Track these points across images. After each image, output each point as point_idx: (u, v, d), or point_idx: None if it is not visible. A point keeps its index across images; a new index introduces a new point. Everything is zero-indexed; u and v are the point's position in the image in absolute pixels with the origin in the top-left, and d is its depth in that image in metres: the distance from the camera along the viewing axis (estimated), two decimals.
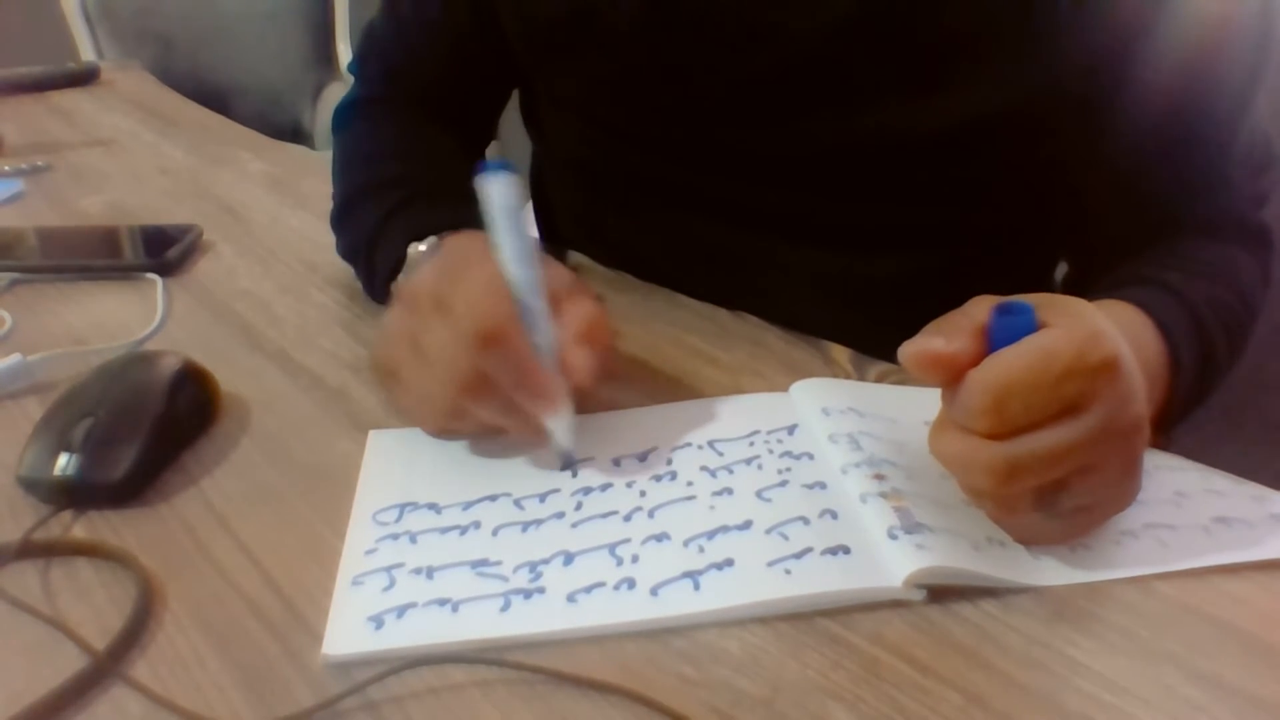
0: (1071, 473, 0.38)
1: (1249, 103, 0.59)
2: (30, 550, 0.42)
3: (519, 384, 0.44)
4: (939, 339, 0.39)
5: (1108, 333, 0.38)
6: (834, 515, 0.43)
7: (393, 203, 0.60)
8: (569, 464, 0.47)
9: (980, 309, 0.39)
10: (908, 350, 0.39)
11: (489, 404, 0.45)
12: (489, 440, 0.49)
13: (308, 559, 0.41)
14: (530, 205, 0.45)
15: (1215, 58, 0.57)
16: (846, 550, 0.40)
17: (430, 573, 0.40)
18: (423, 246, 0.55)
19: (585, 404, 0.53)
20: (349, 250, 0.66)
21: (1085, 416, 0.37)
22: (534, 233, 0.45)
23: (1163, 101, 0.57)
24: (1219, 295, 0.57)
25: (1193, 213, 0.62)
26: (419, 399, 0.47)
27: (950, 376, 0.39)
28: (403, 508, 0.44)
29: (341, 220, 0.67)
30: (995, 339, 0.38)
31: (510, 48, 0.70)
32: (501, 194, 0.46)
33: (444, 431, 0.49)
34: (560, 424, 0.46)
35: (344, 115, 0.76)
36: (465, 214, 0.50)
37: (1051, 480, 0.38)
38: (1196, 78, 0.57)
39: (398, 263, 0.56)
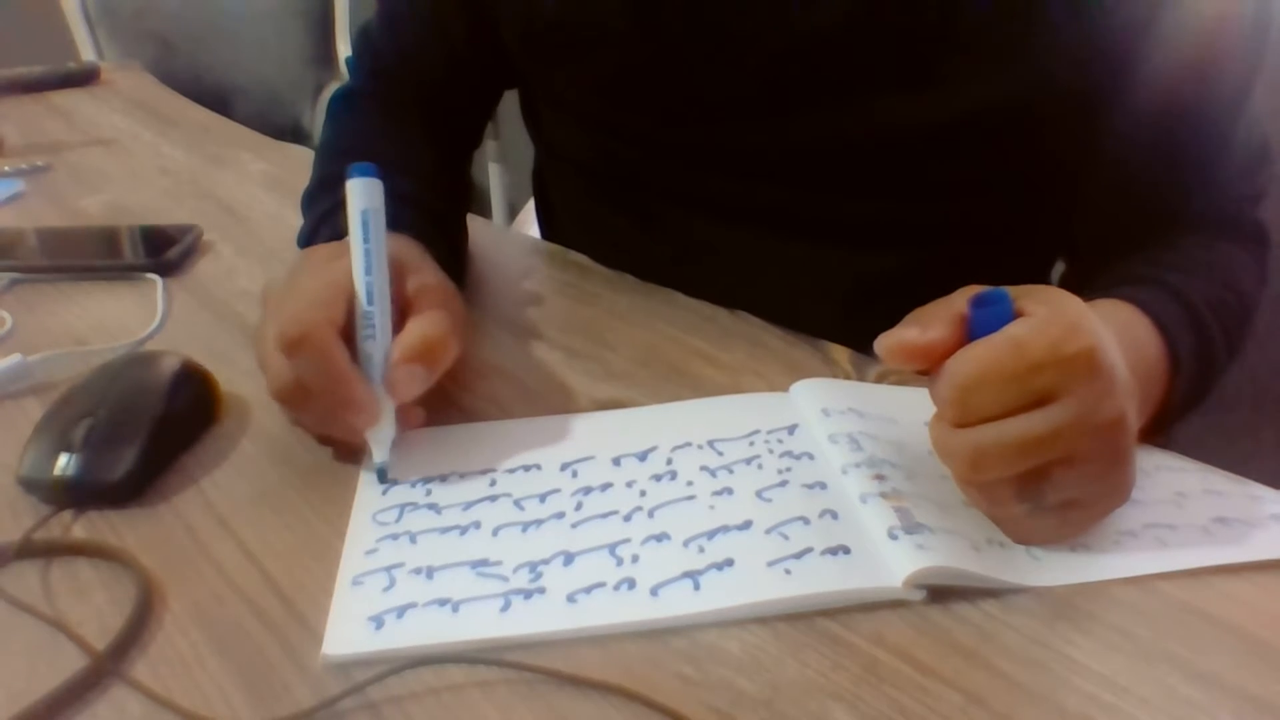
0: (1051, 464, 0.38)
1: (1246, 100, 0.59)
2: (30, 550, 0.42)
3: (328, 392, 0.44)
4: (914, 329, 0.39)
5: (1086, 325, 0.38)
6: (834, 515, 0.43)
7: (331, 202, 0.60)
8: (384, 478, 0.46)
9: (961, 299, 0.40)
10: (884, 341, 0.40)
11: (308, 410, 0.46)
12: (490, 437, 0.49)
13: (308, 559, 0.41)
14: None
15: (1212, 55, 0.57)
16: (846, 550, 0.40)
17: (430, 573, 0.40)
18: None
19: (585, 404, 0.53)
20: (299, 240, 0.66)
21: (1057, 407, 0.37)
22: (383, 240, 0.46)
23: (1160, 98, 0.57)
24: (1217, 293, 0.57)
25: (1190, 210, 0.62)
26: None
27: (929, 365, 0.39)
28: (403, 508, 0.44)
29: (303, 210, 0.67)
30: (974, 329, 0.39)
31: (503, 48, 0.70)
32: (359, 196, 0.45)
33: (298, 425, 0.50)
34: (376, 436, 0.45)
35: (335, 104, 0.76)
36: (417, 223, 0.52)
37: (1029, 470, 0.38)
38: (1193, 75, 0.57)
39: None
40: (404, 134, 0.72)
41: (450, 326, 0.47)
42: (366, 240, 0.45)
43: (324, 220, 0.61)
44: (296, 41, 1.97)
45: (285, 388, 0.45)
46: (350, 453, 0.48)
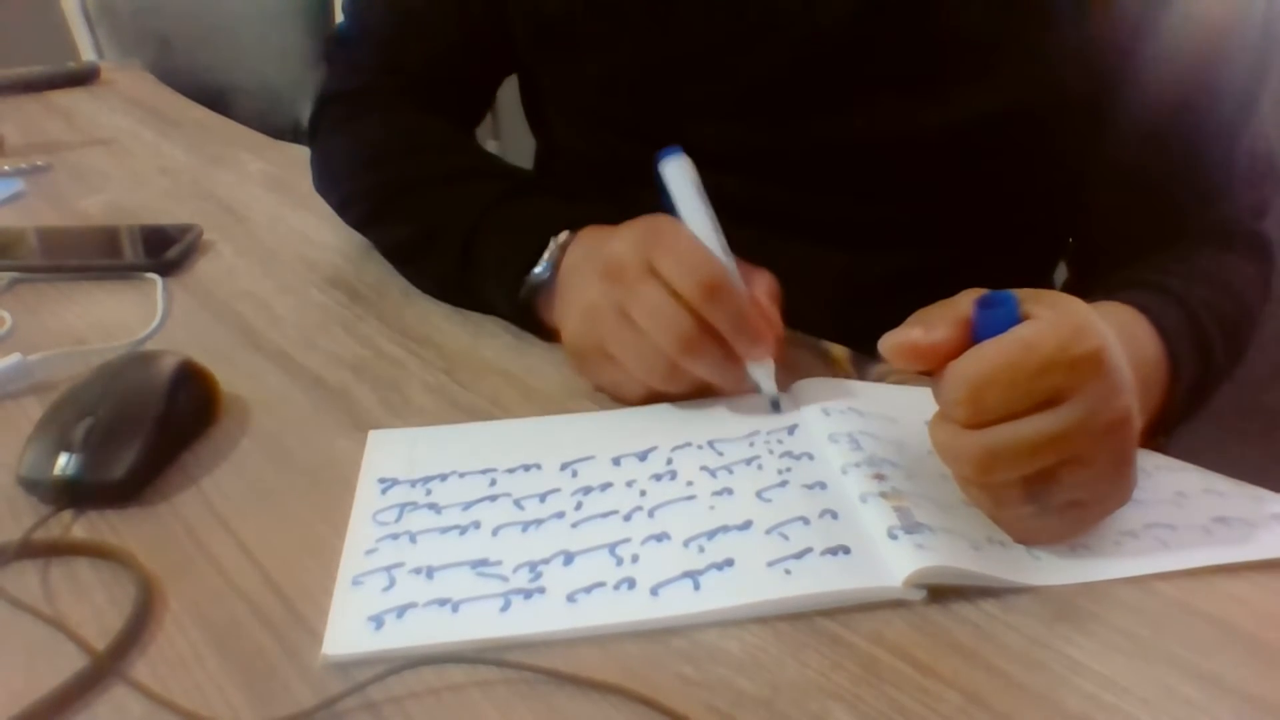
0: (1058, 465, 0.38)
1: (1251, 112, 0.59)
2: (30, 550, 0.42)
3: (739, 330, 0.47)
4: (918, 329, 0.40)
5: (1093, 326, 0.38)
6: (834, 515, 0.43)
7: (495, 194, 0.61)
8: (777, 406, 0.50)
9: (965, 301, 0.40)
10: (888, 341, 0.40)
11: (707, 358, 0.47)
12: (490, 437, 0.49)
13: (308, 559, 0.41)
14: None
15: (1218, 66, 0.57)
16: (846, 550, 0.40)
17: (430, 573, 0.40)
18: (559, 240, 0.56)
19: (586, 404, 0.53)
20: (410, 245, 0.66)
21: (1066, 408, 0.37)
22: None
23: (1165, 108, 0.57)
24: (1218, 301, 0.57)
25: (1194, 220, 0.62)
26: (634, 367, 0.49)
27: (933, 366, 0.39)
28: (403, 508, 0.44)
29: (390, 214, 0.67)
30: (979, 330, 0.39)
31: (508, 39, 0.70)
32: (686, 171, 0.51)
33: (651, 399, 0.51)
34: (764, 371, 0.50)
35: (339, 106, 0.74)
36: (576, 209, 0.56)
37: (1036, 472, 0.38)
38: (1199, 85, 0.57)
39: (529, 256, 0.56)
40: (453, 129, 0.72)
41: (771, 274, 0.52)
42: (706, 205, 0.50)
43: (511, 206, 0.61)
44: (296, 41, 1.96)
45: (691, 337, 0.46)
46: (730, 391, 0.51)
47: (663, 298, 0.46)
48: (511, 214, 0.60)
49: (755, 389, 0.50)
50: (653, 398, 0.51)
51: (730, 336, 0.47)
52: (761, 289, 0.50)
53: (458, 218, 0.61)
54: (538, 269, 0.56)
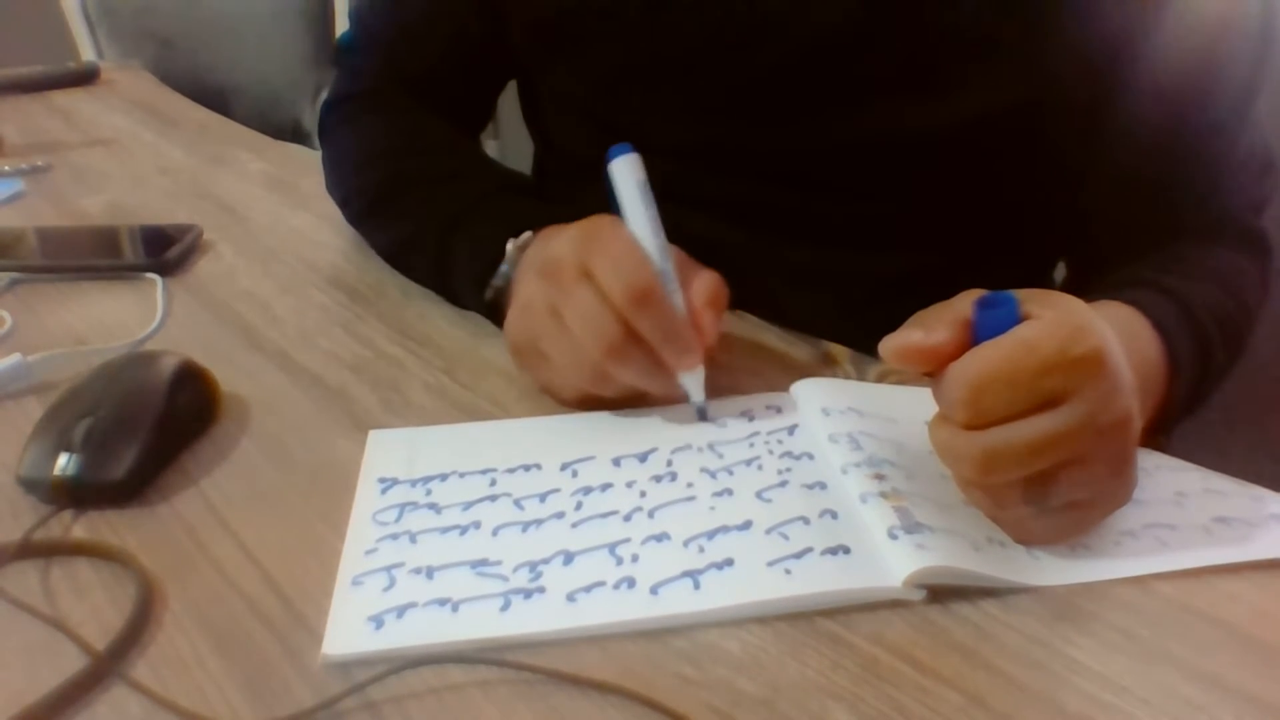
0: (1059, 466, 0.38)
1: (1249, 109, 0.59)
2: (30, 550, 0.42)
3: (666, 340, 0.46)
4: (918, 331, 0.39)
5: (1093, 327, 0.38)
6: (834, 515, 0.43)
7: (473, 195, 0.62)
8: (704, 415, 0.50)
9: (965, 302, 0.40)
10: (888, 343, 0.40)
11: (633, 365, 0.47)
12: (490, 437, 0.49)
13: (308, 559, 0.41)
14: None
15: (1216, 64, 0.57)
16: (846, 550, 0.40)
17: (430, 573, 0.40)
18: (518, 241, 0.56)
19: (580, 405, 0.53)
20: (400, 238, 0.67)
21: (1066, 409, 0.37)
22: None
23: (1163, 106, 0.57)
24: (1217, 299, 0.57)
25: (1192, 218, 0.62)
26: (563, 368, 0.49)
27: (933, 367, 0.39)
28: (403, 508, 0.44)
29: (387, 209, 0.67)
30: (979, 331, 0.39)
31: (507, 46, 0.70)
32: (631, 170, 0.50)
33: (585, 400, 0.50)
34: (694, 380, 0.49)
35: (342, 108, 0.76)
36: (545, 210, 0.55)
37: (1037, 472, 0.38)
38: (1197, 83, 0.57)
39: (494, 255, 0.57)
40: (453, 130, 0.73)
41: (722, 280, 0.51)
42: (649, 206, 0.50)
43: (486, 206, 0.61)
44: (296, 41, 1.96)
45: (617, 343, 0.46)
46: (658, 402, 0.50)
47: (592, 301, 0.46)
48: (485, 215, 0.60)
49: (685, 397, 0.50)
50: (588, 400, 0.50)
51: (656, 344, 0.47)
52: (702, 293, 0.49)
53: (436, 219, 0.62)
54: (501, 269, 0.56)
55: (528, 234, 0.56)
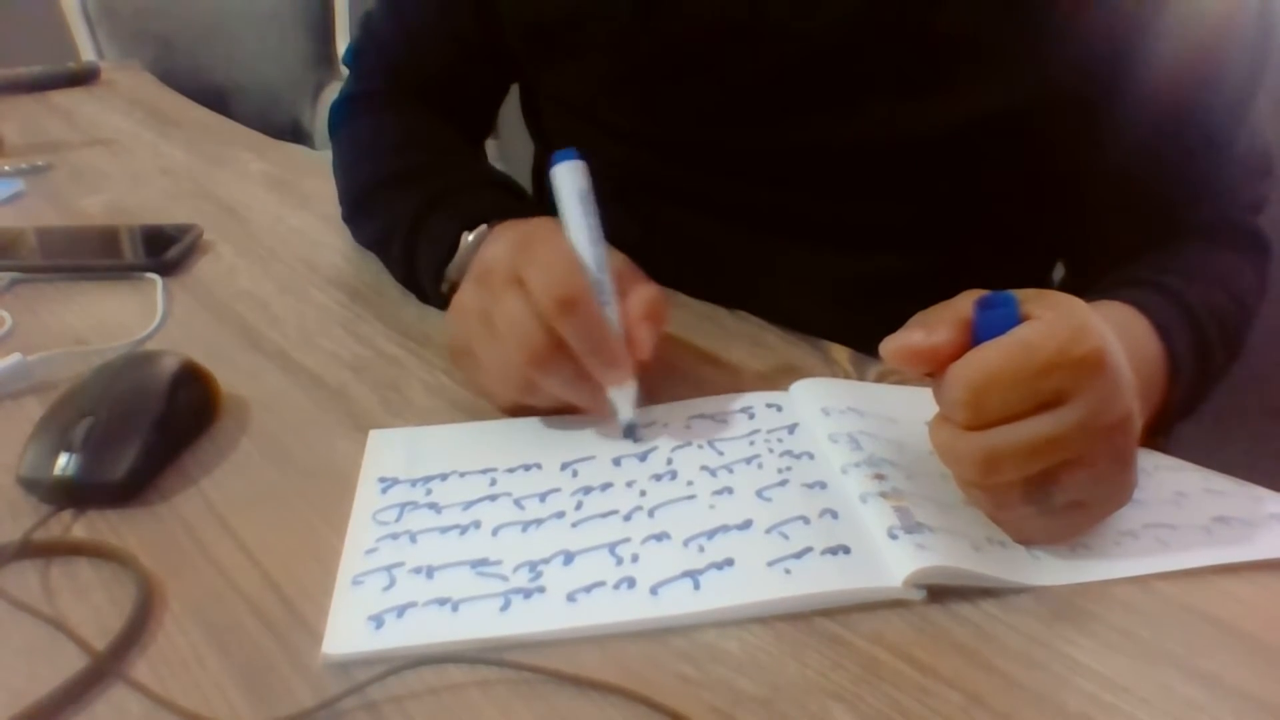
0: (1059, 466, 0.38)
1: (1247, 108, 0.59)
2: (30, 550, 0.42)
3: (593, 351, 0.46)
4: (918, 332, 0.39)
5: (1093, 327, 0.38)
6: (834, 515, 0.43)
7: (434, 190, 0.62)
8: (631, 433, 0.49)
9: (965, 302, 0.40)
10: (889, 344, 0.40)
11: (558, 375, 0.46)
12: (490, 437, 0.49)
13: (308, 559, 0.41)
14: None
15: (1214, 63, 0.57)
16: (846, 550, 0.40)
17: (430, 572, 0.40)
18: (471, 236, 0.56)
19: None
20: (376, 237, 0.67)
21: (1067, 409, 0.37)
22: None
23: (1161, 106, 0.57)
24: (1216, 298, 0.57)
25: (1190, 218, 0.62)
26: (490, 373, 0.48)
27: (934, 368, 0.39)
28: (403, 507, 0.44)
29: (364, 208, 0.68)
30: (979, 332, 0.39)
31: (507, 51, 0.70)
32: (572, 177, 0.50)
33: (516, 408, 0.50)
34: (624, 395, 0.48)
35: (344, 109, 0.77)
36: (509, 203, 0.53)
37: (1037, 473, 0.38)
38: (1195, 82, 0.57)
39: (449, 250, 0.57)
40: (442, 127, 0.73)
41: (661, 293, 0.50)
42: (588, 215, 0.49)
43: (445, 202, 0.61)
44: (296, 41, 1.96)
45: (541, 351, 0.45)
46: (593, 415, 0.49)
47: (520, 309, 0.45)
48: (447, 208, 0.60)
49: (613, 412, 0.48)
50: (520, 408, 0.50)
51: (582, 356, 0.46)
52: (639, 307, 0.48)
53: (406, 216, 0.62)
54: (453, 261, 0.57)
55: (483, 227, 0.56)
